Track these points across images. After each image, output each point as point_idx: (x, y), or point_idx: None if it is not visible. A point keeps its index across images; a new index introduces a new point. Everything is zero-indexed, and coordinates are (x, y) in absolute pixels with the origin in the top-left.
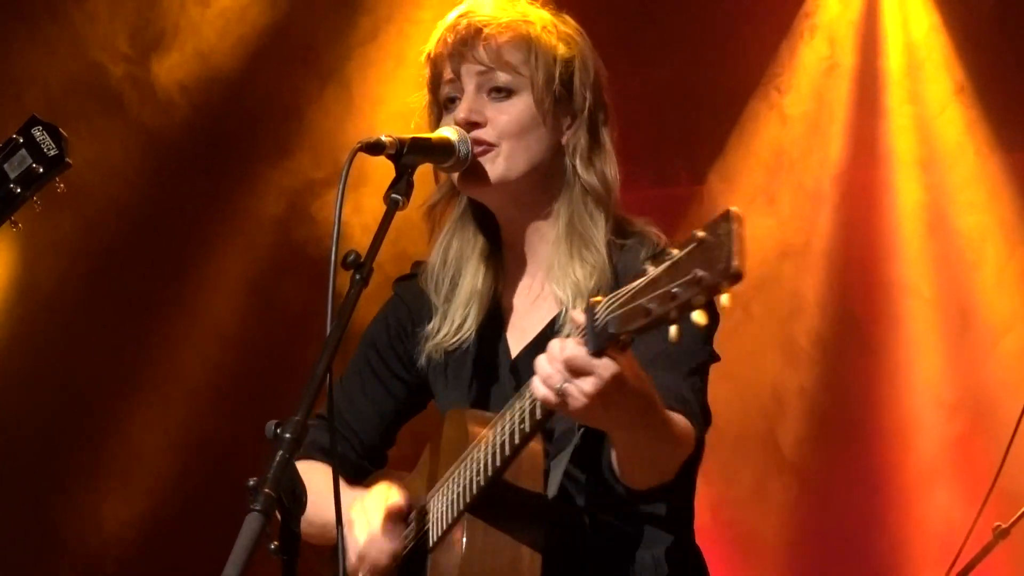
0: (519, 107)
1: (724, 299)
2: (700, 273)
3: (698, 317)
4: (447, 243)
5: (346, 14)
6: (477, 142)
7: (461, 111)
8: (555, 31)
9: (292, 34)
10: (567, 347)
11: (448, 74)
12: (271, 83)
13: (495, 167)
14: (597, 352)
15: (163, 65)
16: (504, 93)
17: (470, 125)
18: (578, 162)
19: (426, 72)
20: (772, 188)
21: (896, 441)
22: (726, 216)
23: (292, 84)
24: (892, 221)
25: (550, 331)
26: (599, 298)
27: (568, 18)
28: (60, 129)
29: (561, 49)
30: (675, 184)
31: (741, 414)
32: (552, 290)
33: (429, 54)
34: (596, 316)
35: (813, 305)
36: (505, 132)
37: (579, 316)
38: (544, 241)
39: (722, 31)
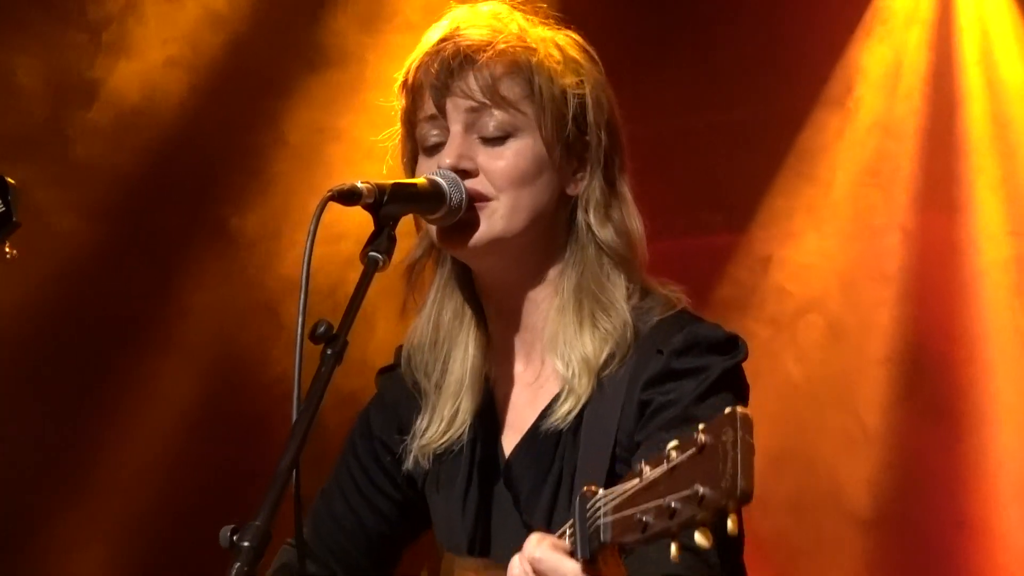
0: (519, 152)
1: (730, 523)
2: (702, 490)
3: (701, 539)
4: (435, 315)
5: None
6: (469, 195)
7: (448, 156)
8: (561, 56)
9: (248, 64)
10: (545, 557)
11: (428, 109)
12: (227, 121)
13: (491, 225)
14: (587, 560)
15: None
16: (500, 135)
17: (458, 174)
18: (592, 216)
19: (401, 102)
20: (820, 239)
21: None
22: (732, 419)
23: (252, 122)
24: (969, 284)
25: (541, 420)
26: (595, 488)
27: (574, 36)
28: (8, 179)
29: (569, 79)
30: (710, 232)
31: None
32: (553, 366)
33: (406, 82)
34: (589, 515)
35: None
36: (503, 183)
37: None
38: (541, 310)
39: (765, 59)
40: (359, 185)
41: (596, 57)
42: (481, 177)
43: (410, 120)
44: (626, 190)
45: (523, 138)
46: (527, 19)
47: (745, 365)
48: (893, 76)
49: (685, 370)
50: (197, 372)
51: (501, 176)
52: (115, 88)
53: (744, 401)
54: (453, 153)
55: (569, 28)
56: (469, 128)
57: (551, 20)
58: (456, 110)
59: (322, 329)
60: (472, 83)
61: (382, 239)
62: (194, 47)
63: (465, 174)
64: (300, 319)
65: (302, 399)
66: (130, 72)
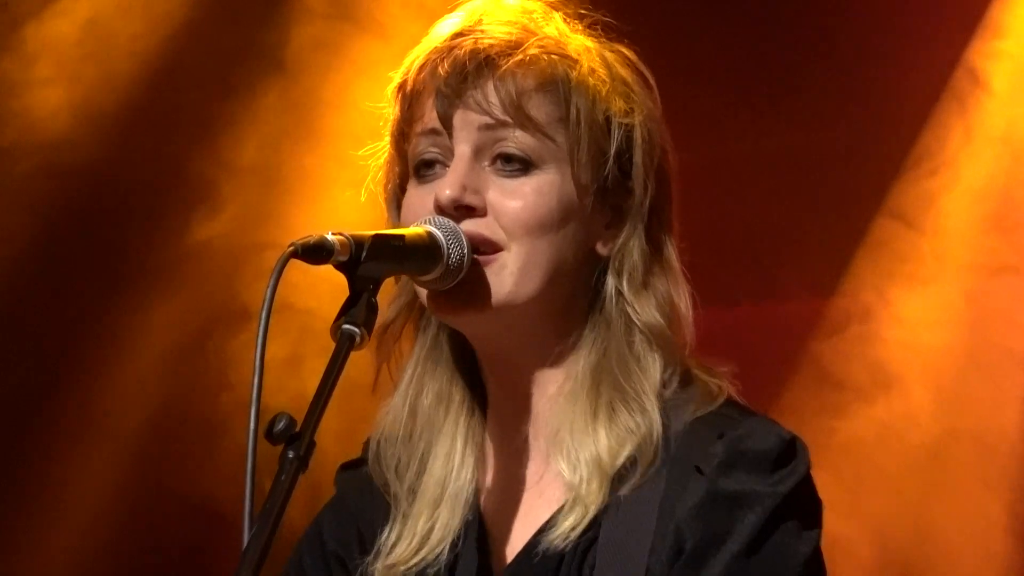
0: (542, 189)
1: None
2: None
3: None
4: (412, 398)
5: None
6: (472, 240)
7: (448, 185)
8: (608, 75)
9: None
10: None
11: (429, 120)
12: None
13: (499, 284)
14: None
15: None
16: (519, 166)
17: (460, 211)
18: (626, 283)
19: (393, 111)
20: (925, 302)
21: None
22: None
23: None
24: None
25: (540, 537)
26: None
27: (626, 51)
28: None
29: (616, 105)
30: (784, 298)
31: None
32: (558, 468)
33: (403, 85)
34: None
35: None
36: (517, 228)
37: None
38: (549, 396)
39: (857, 87)
40: (329, 238)
41: (652, 82)
42: (489, 219)
43: (402, 134)
44: (672, 254)
45: (548, 172)
46: (568, 22)
47: (834, 465)
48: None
49: (731, 497)
50: (143, 398)
51: (516, 219)
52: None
53: (814, 525)
54: (456, 181)
55: (622, 41)
56: (480, 152)
57: (599, 27)
58: (466, 126)
59: (281, 425)
60: (491, 93)
61: (359, 308)
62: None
63: (469, 211)
64: (252, 412)
65: (255, 515)
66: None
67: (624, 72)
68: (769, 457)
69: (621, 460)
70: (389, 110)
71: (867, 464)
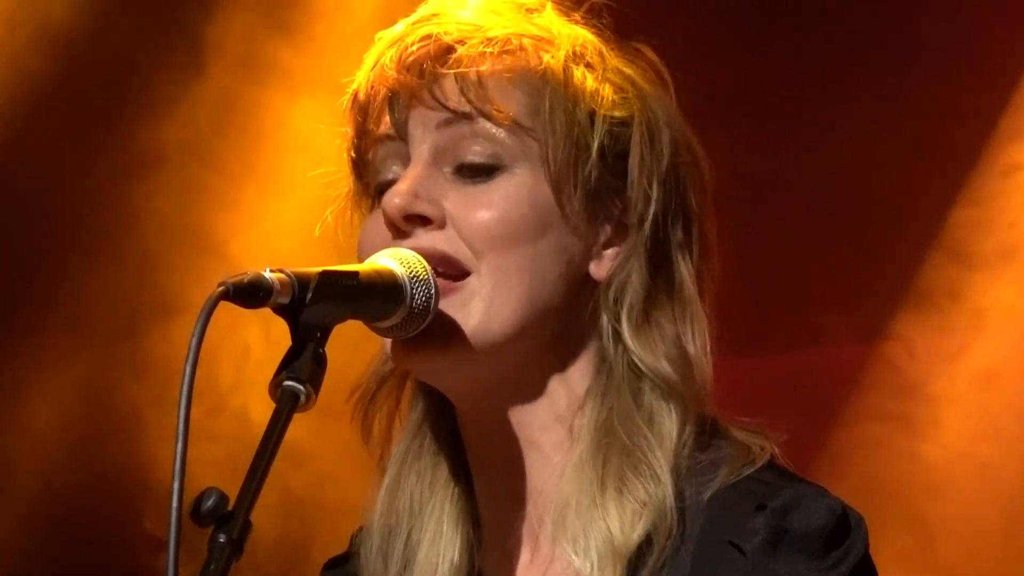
0: (510, 195)
1: None
2: None
3: None
4: (396, 483)
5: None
6: (429, 259)
7: (395, 193)
8: (600, 63)
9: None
10: None
11: (383, 126)
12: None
13: (466, 315)
14: None
15: None
16: (485, 166)
17: (411, 222)
18: (625, 319)
19: (348, 132)
20: (988, 348)
21: None
22: None
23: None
24: None
25: None
26: None
27: (638, 46)
28: None
29: (606, 96)
30: (830, 342)
31: None
32: (564, 553)
33: (355, 97)
34: None
35: None
36: (484, 242)
37: None
38: (552, 466)
39: (915, 103)
40: (267, 276)
41: (666, 78)
42: (449, 231)
43: (360, 154)
44: (686, 280)
45: (518, 174)
46: (562, 13)
47: (900, 541)
48: None
49: None
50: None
51: (481, 231)
52: None
53: None
54: (406, 188)
55: (638, 44)
56: (440, 155)
57: (607, 26)
58: (423, 125)
59: (210, 503)
60: (449, 84)
61: (304, 361)
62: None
63: (422, 223)
64: (175, 487)
65: None
66: None
67: (622, 64)
68: (821, 535)
69: (636, 539)
70: (344, 131)
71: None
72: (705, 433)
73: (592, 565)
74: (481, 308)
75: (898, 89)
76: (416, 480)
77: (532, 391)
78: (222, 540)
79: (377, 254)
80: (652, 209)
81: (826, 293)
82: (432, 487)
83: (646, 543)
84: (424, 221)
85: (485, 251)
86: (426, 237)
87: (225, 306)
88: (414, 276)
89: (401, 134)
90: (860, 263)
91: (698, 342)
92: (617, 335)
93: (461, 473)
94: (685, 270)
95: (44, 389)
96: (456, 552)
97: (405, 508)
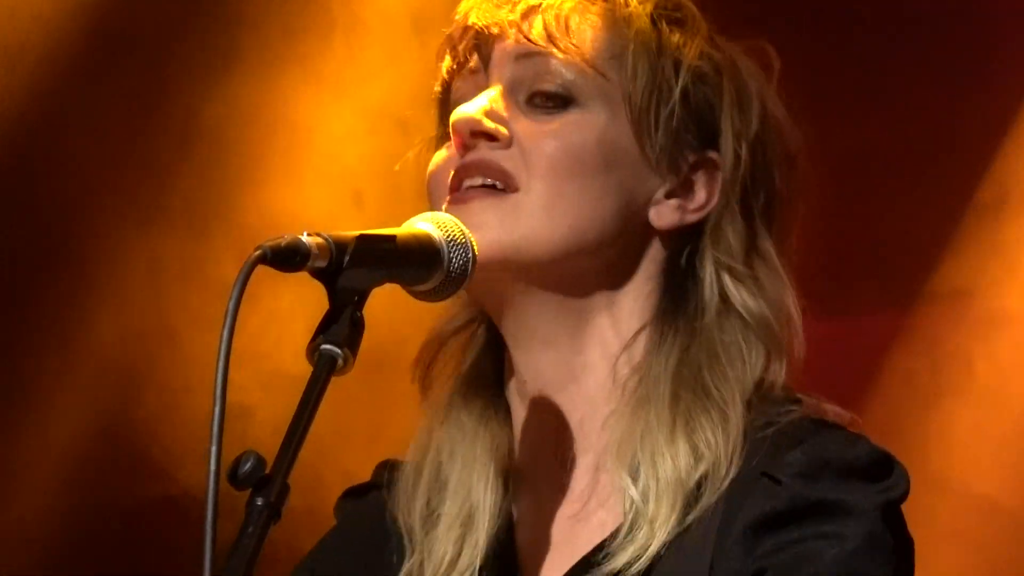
0: (579, 125)
1: None
2: None
3: None
4: (438, 426)
5: None
6: (480, 168)
7: (466, 107)
8: (689, 22)
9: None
10: None
11: (471, 60)
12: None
13: (510, 223)
14: None
15: None
16: (557, 99)
17: (477, 138)
18: (724, 257)
19: (439, 73)
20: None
21: None
22: None
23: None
24: None
25: (588, 565)
26: None
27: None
28: None
29: (693, 51)
30: (866, 312)
31: None
32: (612, 484)
33: (450, 37)
34: None
35: None
36: (543, 164)
37: None
38: (599, 400)
39: (943, 71)
40: (305, 240)
41: (773, 64)
42: (513, 151)
43: (446, 90)
44: (770, 249)
45: (594, 109)
46: None
47: (926, 512)
48: None
49: (817, 505)
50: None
51: (542, 154)
52: None
53: (906, 568)
54: (477, 105)
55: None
56: (515, 86)
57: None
58: (503, 57)
59: (248, 467)
60: (536, 20)
61: (341, 325)
62: None
63: (487, 139)
64: (212, 451)
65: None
66: None
67: (716, 34)
68: (861, 466)
69: (696, 478)
70: (434, 78)
71: (966, 498)
72: (782, 387)
73: (649, 497)
74: (528, 222)
75: (939, 56)
76: (455, 420)
77: (588, 322)
78: (259, 504)
79: (414, 218)
80: (743, 168)
81: (853, 253)
82: (468, 417)
83: (702, 480)
84: (490, 139)
85: (542, 171)
86: (490, 151)
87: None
88: (451, 240)
89: (485, 64)
90: (894, 227)
91: (794, 304)
92: (717, 276)
93: (497, 404)
94: (767, 239)
95: (78, 363)
96: (491, 481)
97: (449, 447)
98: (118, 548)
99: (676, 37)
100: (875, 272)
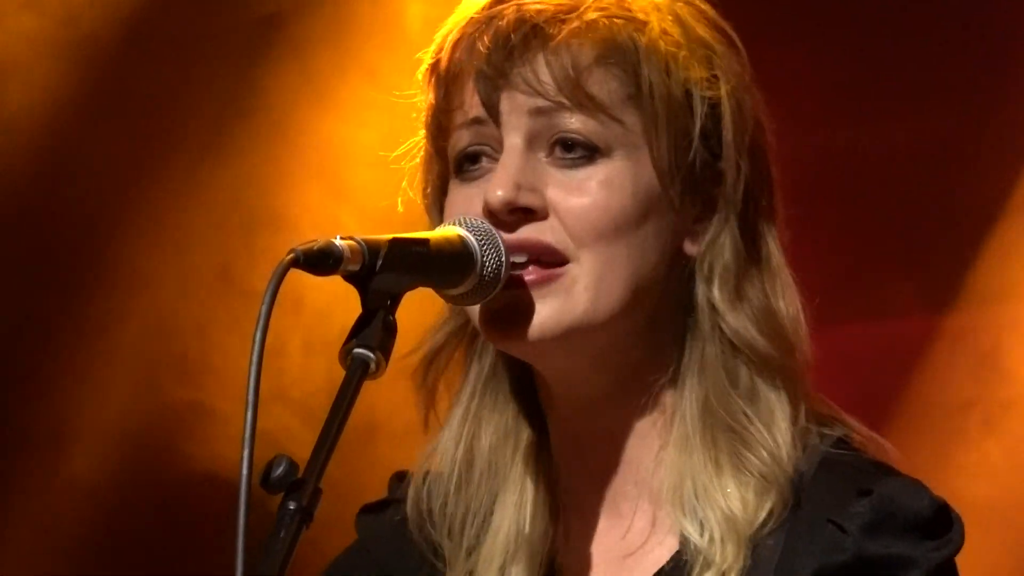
0: (614, 182)
1: None
2: None
3: None
4: (468, 437)
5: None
6: (526, 248)
7: (497, 185)
8: (684, 35)
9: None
10: None
11: (472, 108)
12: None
13: (567, 304)
14: None
15: None
16: (583, 152)
17: (515, 215)
18: (718, 291)
19: (427, 98)
20: None
21: None
22: None
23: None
24: None
25: None
26: None
27: (700, 4)
28: None
29: (697, 72)
30: (901, 314)
31: None
32: (674, 524)
33: (435, 67)
34: None
35: None
36: (587, 232)
37: None
38: (648, 443)
39: (972, 71)
40: (338, 244)
41: (735, 38)
42: (552, 221)
43: (439, 127)
44: (775, 249)
45: (620, 160)
46: None
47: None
48: None
49: (882, 561)
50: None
51: (584, 220)
52: None
53: None
54: (508, 179)
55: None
56: (534, 140)
57: None
58: (515, 111)
59: (280, 470)
60: (543, 70)
61: (374, 328)
62: None
63: (526, 215)
64: (245, 455)
65: None
66: None
67: (703, 31)
68: (923, 522)
69: (762, 516)
70: (421, 98)
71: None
72: (811, 411)
73: (711, 538)
74: (587, 297)
75: (961, 65)
76: (496, 441)
77: (626, 370)
78: (292, 507)
79: (447, 222)
80: (742, 181)
81: (899, 257)
82: (516, 449)
83: (768, 517)
84: (527, 212)
85: (589, 240)
86: (530, 229)
87: None
88: (484, 243)
89: (492, 115)
90: (928, 230)
91: (791, 312)
92: (712, 310)
93: (543, 438)
94: (772, 241)
95: (112, 364)
96: (540, 515)
97: (483, 469)
98: (150, 548)
99: (682, 63)
100: (911, 274)
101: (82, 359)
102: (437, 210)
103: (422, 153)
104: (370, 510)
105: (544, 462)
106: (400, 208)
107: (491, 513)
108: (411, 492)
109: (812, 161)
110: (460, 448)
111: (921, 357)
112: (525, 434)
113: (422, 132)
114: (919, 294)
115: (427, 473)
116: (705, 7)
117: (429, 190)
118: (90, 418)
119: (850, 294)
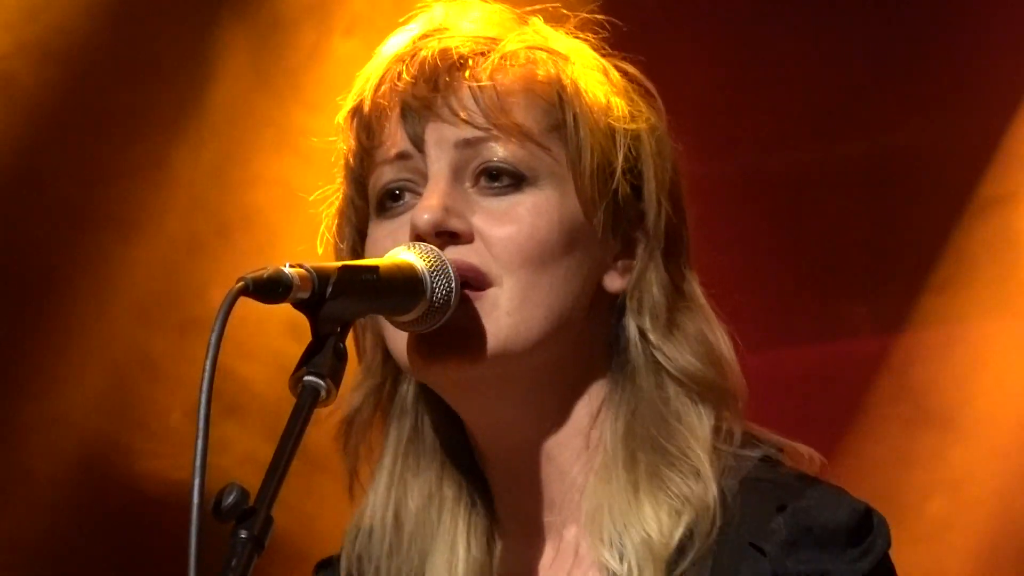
0: (539, 209)
1: None
2: None
3: None
4: (394, 502)
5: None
6: (459, 270)
7: (424, 208)
8: (605, 77)
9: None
10: None
11: (395, 143)
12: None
13: (491, 326)
14: None
15: None
16: (509, 181)
17: (441, 238)
18: (649, 322)
19: (347, 142)
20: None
21: None
22: None
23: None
24: None
25: None
26: None
27: (621, 64)
28: None
29: (620, 109)
30: (851, 335)
31: None
32: (593, 558)
33: (357, 109)
34: None
35: None
36: (511, 257)
37: None
38: (571, 476)
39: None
40: (287, 271)
41: (651, 88)
42: (477, 245)
43: (361, 167)
44: (696, 288)
45: (547, 189)
46: (551, 24)
47: (919, 546)
48: None
49: None
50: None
51: (510, 246)
52: None
53: None
54: (435, 203)
55: (622, 61)
56: (460, 171)
57: (589, 37)
58: (441, 143)
59: (231, 499)
60: (469, 101)
61: (324, 356)
62: None
63: (452, 239)
64: (195, 483)
65: None
66: None
67: (618, 77)
68: (842, 532)
69: (677, 537)
70: (341, 143)
71: (952, 530)
72: (739, 432)
73: (629, 567)
74: (507, 322)
75: (937, 81)
76: (423, 502)
77: (552, 403)
78: (243, 536)
79: (396, 249)
80: (663, 219)
81: (848, 278)
82: (440, 509)
83: (686, 538)
84: (453, 236)
85: (513, 266)
86: (455, 251)
87: None
88: (434, 269)
89: (418, 146)
90: (880, 252)
91: (724, 342)
92: (644, 340)
93: (471, 491)
94: (692, 276)
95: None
96: (473, 554)
97: (412, 531)
98: (103, 552)
99: (604, 98)
100: (864, 295)
101: (45, 358)
102: (351, 250)
103: (339, 199)
104: (325, 565)
105: (476, 517)
106: (319, 251)
107: (426, 572)
108: (343, 560)
109: (767, 183)
110: (389, 512)
111: (866, 386)
112: (451, 492)
113: (339, 180)
114: (872, 313)
115: (357, 535)
116: (630, 68)
117: (347, 229)
118: (51, 412)
119: (802, 315)
